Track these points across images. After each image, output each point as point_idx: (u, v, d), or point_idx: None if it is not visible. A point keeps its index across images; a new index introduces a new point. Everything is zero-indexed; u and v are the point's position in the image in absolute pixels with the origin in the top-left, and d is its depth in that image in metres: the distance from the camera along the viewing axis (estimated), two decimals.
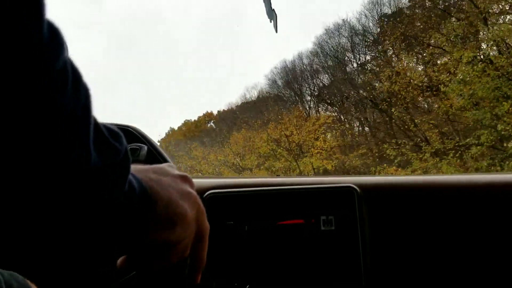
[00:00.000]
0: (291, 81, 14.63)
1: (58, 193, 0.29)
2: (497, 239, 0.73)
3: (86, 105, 0.29)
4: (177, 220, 0.37)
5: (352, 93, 12.49)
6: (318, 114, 13.61)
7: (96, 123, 0.31)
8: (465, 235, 0.74)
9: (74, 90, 0.28)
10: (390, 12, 12.06)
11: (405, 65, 11.07)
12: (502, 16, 9.03)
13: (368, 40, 12.72)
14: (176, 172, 0.41)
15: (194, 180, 0.45)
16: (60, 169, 0.28)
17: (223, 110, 17.85)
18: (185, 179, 0.41)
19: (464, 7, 9.61)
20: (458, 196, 0.76)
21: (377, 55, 12.47)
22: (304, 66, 14.31)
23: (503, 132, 7.62)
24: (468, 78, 8.31)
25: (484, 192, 0.77)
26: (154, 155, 0.89)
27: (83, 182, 0.30)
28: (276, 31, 1.04)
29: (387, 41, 11.30)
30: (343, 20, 13.00)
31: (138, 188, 0.34)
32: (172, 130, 19.39)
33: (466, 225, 0.75)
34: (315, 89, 14.14)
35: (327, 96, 13.50)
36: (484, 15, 8.82)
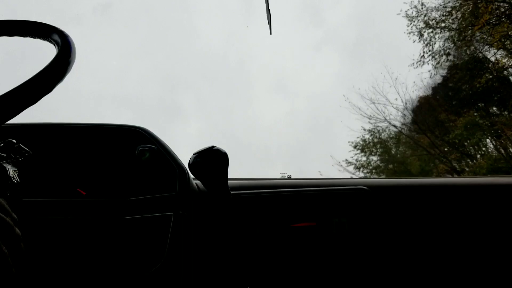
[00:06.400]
0: None
1: None
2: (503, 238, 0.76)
3: None
4: None
5: None
6: None
7: None
8: (478, 234, 0.76)
9: None
10: None
11: None
12: None
13: None
14: None
15: None
16: None
17: None
18: None
19: None
20: (469, 197, 0.79)
21: None
22: None
23: None
24: None
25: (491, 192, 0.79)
26: (163, 156, 0.88)
27: None
28: (271, 33, 1.02)
29: None
30: None
31: None
32: None
33: (478, 224, 0.77)
34: None
35: None
36: None
